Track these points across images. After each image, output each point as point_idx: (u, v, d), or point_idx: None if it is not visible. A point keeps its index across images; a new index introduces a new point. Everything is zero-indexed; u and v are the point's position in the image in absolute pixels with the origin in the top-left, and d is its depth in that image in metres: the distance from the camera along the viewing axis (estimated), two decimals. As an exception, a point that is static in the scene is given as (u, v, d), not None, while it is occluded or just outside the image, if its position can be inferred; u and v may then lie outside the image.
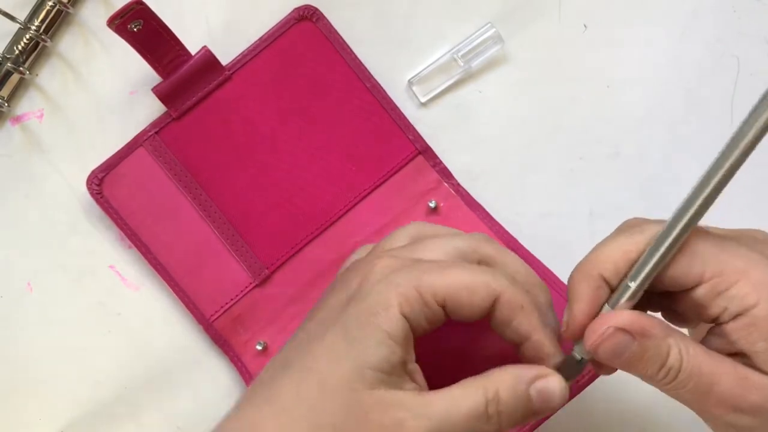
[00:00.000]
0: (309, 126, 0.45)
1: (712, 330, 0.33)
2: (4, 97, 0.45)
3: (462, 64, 0.47)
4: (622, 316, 0.32)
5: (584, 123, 0.47)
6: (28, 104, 0.46)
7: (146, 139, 0.45)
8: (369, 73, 0.46)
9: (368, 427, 0.32)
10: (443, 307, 0.33)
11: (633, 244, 0.33)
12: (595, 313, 0.33)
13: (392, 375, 0.32)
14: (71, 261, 0.46)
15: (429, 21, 0.48)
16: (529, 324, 0.34)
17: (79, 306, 0.46)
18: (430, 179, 0.46)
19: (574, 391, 0.39)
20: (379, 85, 0.46)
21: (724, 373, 0.31)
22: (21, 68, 0.45)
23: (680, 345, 0.32)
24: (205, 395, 0.46)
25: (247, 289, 0.45)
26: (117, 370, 0.46)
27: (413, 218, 0.46)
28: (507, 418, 0.33)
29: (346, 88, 0.46)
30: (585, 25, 0.48)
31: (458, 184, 0.46)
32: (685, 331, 0.36)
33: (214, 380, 0.46)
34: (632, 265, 0.33)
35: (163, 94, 0.44)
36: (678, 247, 0.32)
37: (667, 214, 0.32)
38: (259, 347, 0.45)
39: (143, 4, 0.41)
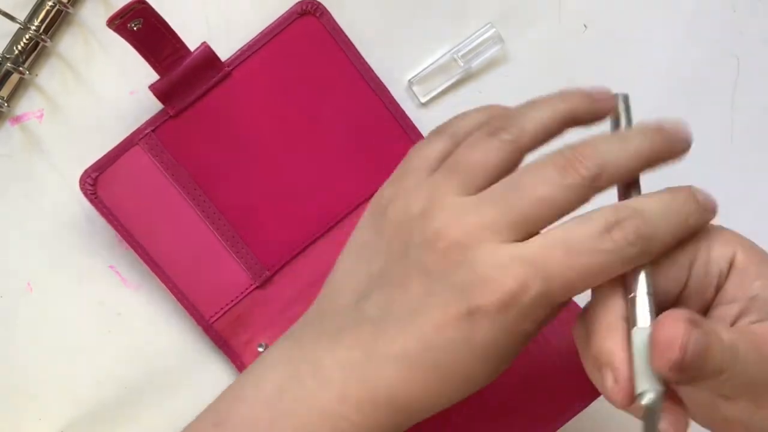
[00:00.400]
0: (310, 124, 0.45)
1: (712, 306, 0.31)
2: (3, 97, 0.45)
3: (462, 64, 0.47)
4: (679, 311, 0.28)
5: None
6: (27, 104, 0.46)
7: (142, 138, 0.44)
8: (372, 71, 0.45)
9: None
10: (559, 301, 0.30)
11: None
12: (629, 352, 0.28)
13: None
14: (71, 261, 0.46)
15: (429, 21, 0.47)
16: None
17: (79, 306, 0.46)
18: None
19: (588, 399, 0.39)
20: (382, 83, 0.45)
21: (763, 332, 0.29)
22: (21, 68, 0.45)
23: (714, 324, 0.29)
24: (205, 396, 0.45)
25: (248, 291, 0.45)
26: (117, 370, 0.46)
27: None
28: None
29: (348, 86, 0.45)
30: (585, 25, 0.48)
31: (459, 185, 0.46)
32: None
33: (214, 381, 0.46)
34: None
35: (160, 91, 0.43)
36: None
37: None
38: (260, 349, 0.45)
39: (145, 3, 0.41)
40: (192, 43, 0.44)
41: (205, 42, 0.44)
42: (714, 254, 0.31)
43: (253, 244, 0.45)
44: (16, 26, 0.45)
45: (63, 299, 0.46)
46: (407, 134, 0.46)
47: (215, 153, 0.44)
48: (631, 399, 0.28)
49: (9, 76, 0.45)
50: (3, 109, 0.45)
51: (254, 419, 0.32)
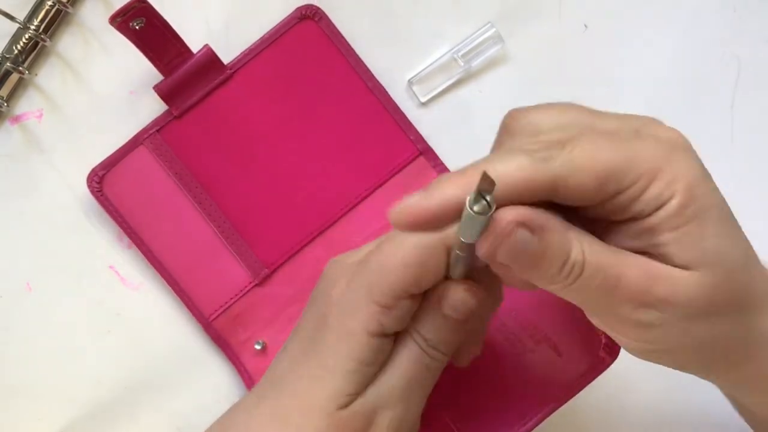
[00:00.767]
0: (310, 125, 0.45)
1: (615, 228, 0.31)
2: (3, 97, 0.45)
3: (462, 63, 0.47)
4: (518, 210, 0.28)
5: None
6: (27, 104, 0.46)
7: (147, 138, 0.45)
8: (371, 73, 0.46)
9: None
10: (410, 297, 0.33)
11: (537, 173, 0.29)
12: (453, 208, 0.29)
13: (365, 387, 0.34)
14: (70, 261, 0.46)
15: (429, 21, 0.48)
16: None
17: (78, 306, 0.46)
18: (430, 180, 0.46)
19: (577, 387, 0.40)
20: (381, 85, 0.46)
21: (631, 266, 0.29)
22: (20, 68, 0.45)
23: (582, 239, 0.29)
24: (205, 395, 0.46)
25: (247, 289, 0.45)
26: (116, 370, 0.46)
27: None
28: (446, 348, 0.34)
29: (347, 87, 0.46)
30: (585, 25, 0.48)
31: (459, 185, 0.46)
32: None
33: (213, 380, 0.46)
34: (530, 192, 0.29)
35: (164, 92, 0.44)
36: None
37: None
38: (257, 347, 0.45)
39: (145, 2, 0.41)
40: (193, 46, 0.44)
41: (207, 44, 0.44)
42: (648, 194, 0.29)
43: (253, 243, 0.45)
44: (16, 26, 0.45)
45: (62, 299, 0.46)
46: (405, 134, 0.46)
47: (217, 153, 0.45)
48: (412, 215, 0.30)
49: (8, 76, 0.45)
50: (2, 109, 0.45)
51: None
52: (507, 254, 0.29)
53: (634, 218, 0.30)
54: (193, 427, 0.46)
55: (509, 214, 0.28)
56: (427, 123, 0.47)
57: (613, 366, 0.40)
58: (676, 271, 0.29)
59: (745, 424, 0.39)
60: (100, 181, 0.44)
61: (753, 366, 0.33)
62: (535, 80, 0.48)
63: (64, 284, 0.46)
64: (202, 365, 0.46)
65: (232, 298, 0.45)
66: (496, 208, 0.28)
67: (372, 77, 0.46)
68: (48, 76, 0.46)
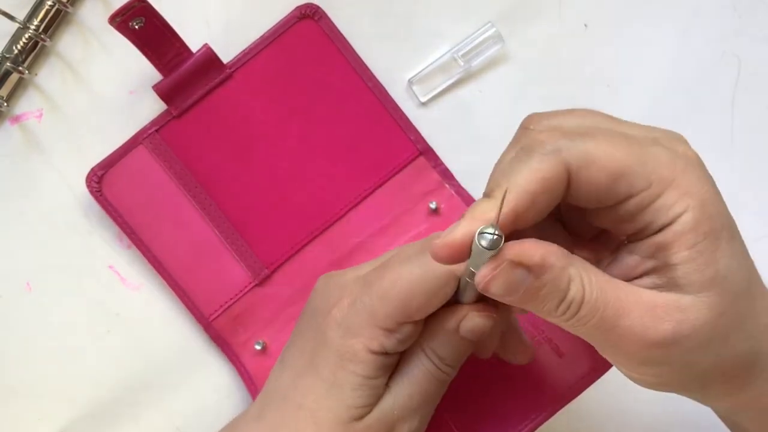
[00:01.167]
0: (310, 125, 0.45)
1: (624, 248, 0.31)
2: (3, 97, 0.45)
3: (462, 63, 0.47)
4: (514, 247, 0.28)
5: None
6: (27, 104, 0.46)
7: (146, 137, 0.45)
8: (371, 72, 0.46)
9: None
10: (412, 323, 0.34)
11: (551, 170, 0.29)
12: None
13: (377, 399, 0.35)
14: (70, 261, 0.46)
15: (429, 20, 0.47)
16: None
17: (78, 306, 0.46)
18: (430, 180, 0.46)
19: (578, 388, 0.40)
20: (381, 84, 0.46)
21: (632, 303, 0.29)
22: (20, 68, 0.45)
23: (582, 275, 0.29)
24: (205, 395, 0.46)
25: (247, 289, 0.45)
26: (116, 370, 0.46)
27: (413, 219, 0.46)
28: (458, 364, 0.36)
29: (347, 87, 0.46)
30: (585, 25, 0.48)
31: (459, 185, 0.46)
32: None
33: (213, 380, 0.46)
34: (548, 195, 0.29)
35: (163, 91, 0.44)
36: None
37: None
38: (258, 347, 0.45)
39: (145, 1, 0.41)
40: (193, 45, 0.44)
41: (206, 44, 0.44)
42: (660, 202, 0.29)
43: (252, 242, 0.45)
44: (16, 26, 0.45)
45: (62, 299, 0.46)
46: (405, 134, 0.46)
47: (216, 152, 0.45)
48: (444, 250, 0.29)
49: (8, 76, 0.45)
50: (2, 109, 0.45)
51: None
52: (500, 288, 0.28)
53: (645, 232, 0.29)
54: (193, 427, 0.46)
55: (508, 252, 0.28)
56: (427, 123, 0.47)
57: (613, 367, 0.40)
58: (684, 299, 0.28)
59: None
60: (99, 181, 0.44)
61: (754, 389, 0.32)
62: (535, 80, 0.48)
63: (64, 284, 0.46)
64: (202, 365, 0.46)
65: (232, 298, 0.45)
66: (505, 240, 0.28)
67: (372, 77, 0.46)
68: (48, 76, 0.46)
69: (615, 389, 0.47)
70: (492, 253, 0.28)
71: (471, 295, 0.34)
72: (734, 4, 0.48)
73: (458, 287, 0.34)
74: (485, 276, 0.28)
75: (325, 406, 0.35)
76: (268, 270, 0.45)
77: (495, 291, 0.28)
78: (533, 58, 0.48)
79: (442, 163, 0.46)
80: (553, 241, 0.29)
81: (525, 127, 0.32)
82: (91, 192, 0.44)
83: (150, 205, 0.45)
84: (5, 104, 0.45)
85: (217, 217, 0.45)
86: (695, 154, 0.30)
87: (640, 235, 0.30)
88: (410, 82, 0.47)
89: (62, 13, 0.45)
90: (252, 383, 0.44)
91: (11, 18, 0.44)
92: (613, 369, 0.40)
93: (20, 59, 0.45)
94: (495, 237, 0.28)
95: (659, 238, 0.29)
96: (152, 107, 0.45)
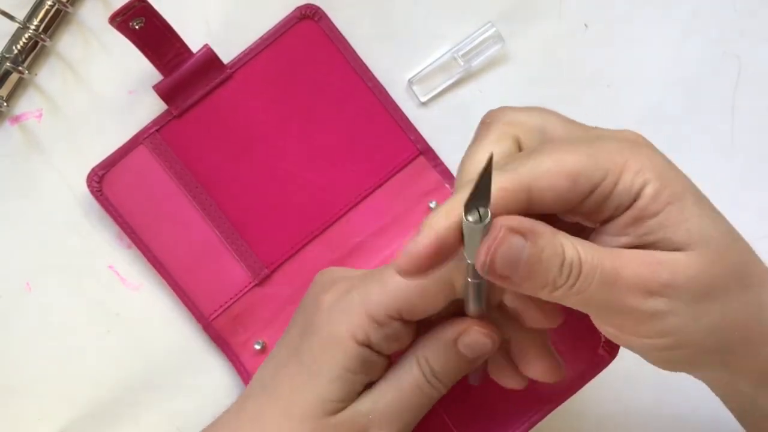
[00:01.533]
0: (310, 125, 0.45)
1: (596, 230, 0.31)
2: (2, 97, 0.45)
3: (462, 63, 0.47)
4: (506, 217, 0.28)
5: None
6: (27, 104, 0.46)
7: (147, 137, 0.45)
8: (371, 72, 0.46)
9: None
10: (402, 322, 0.34)
11: (513, 184, 0.29)
12: (444, 253, 0.29)
13: (354, 396, 0.34)
14: (70, 261, 0.46)
15: (429, 20, 0.47)
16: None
17: (78, 306, 0.46)
18: (430, 180, 0.46)
19: (576, 386, 0.40)
20: (381, 85, 0.46)
21: (627, 258, 0.29)
22: (20, 68, 0.45)
23: (570, 239, 0.29)
24: (205, 395, 0.46)
25: (247, 289, 0.45)
26: (116, 370, 0.46)
27: (413, 219, 0.46)
28: (448, 382, 0.35)
29: (347, 87, 0.46)
30: (586, 25, 0.48)
31: (459, 185, 0.46)
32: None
33: (213, 380, 0.46)
34: (512, 206, 0.29)
35: (164, 91, 0.44)
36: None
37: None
38: (257, 347, 0.45)
39: (145, 1, 0.41)
40: (193, 46, 0.44)
41: (207, 44, 0.44)
42: (620, 186, 0.29)
43: (252, 242, 0.45)
44: (16, 25, 0.45)
45: (62, 299, 0.46)
46: (405, 134, 0.46)
47: (217, 152, 0.45)
48: (412, 261, 0.29)
49: (8, 76, 0.45)
50: (2, 109, 0.45)
51: None
52: (504, 262, 0.28)
53: (615, 215, 0.30)
54: (193, 427, 0.46)
55: (499, 221, 0.28)
56: (427, 123, 0.47)
57: (612, 364, 0.40)
58: (672, 254, 0.29)
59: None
60: (99, 180, 0.44)
61: None
62: (535, 80, 0.48)
63: (64, 284, 0.46)
64: (202, 365, 0.46)
65: (232, 298, 0.45)
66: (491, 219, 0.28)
67: (372, 77, 0.46)
68: (48, 76, 0.46)
69: (613, 388, 0.47)
70: (482, 225, 0.28)
71: (476, 304, 0.33)
72: (734, 4, 0.48)
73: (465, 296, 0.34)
74: (486, 251, 0.28)
75: (300, 398, 0.34)
76: (268, 270, 0.45)
77: (500, 266, 0.28)
78: (533, 58, 0.48)
79: (442, 163, 0.46)
80: None
81: (484, 122, 0.33)
82: (92, 192, 0.44)
83: (150, 205, 0.45)
84: (5, 104, 0.45)
85: (217, 217, 0.45)
86: (637, 134, 0.31)
87: (612, 220, 0.30)
88: (410, 82, 0.47)
89: (62, 13, 0.45)
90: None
91: (11, 18, 0.44)
92: (610, 367, 0.40)
93: (20, 59, 0.45)
94: (481, 210, 0.28)
95: (627, 217, 0.30)
96: (152, 107, 0.45)
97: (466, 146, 0.47)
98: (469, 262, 0.30)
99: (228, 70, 0.45)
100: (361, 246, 0.45)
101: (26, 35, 0.45)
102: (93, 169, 0.44)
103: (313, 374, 0.34)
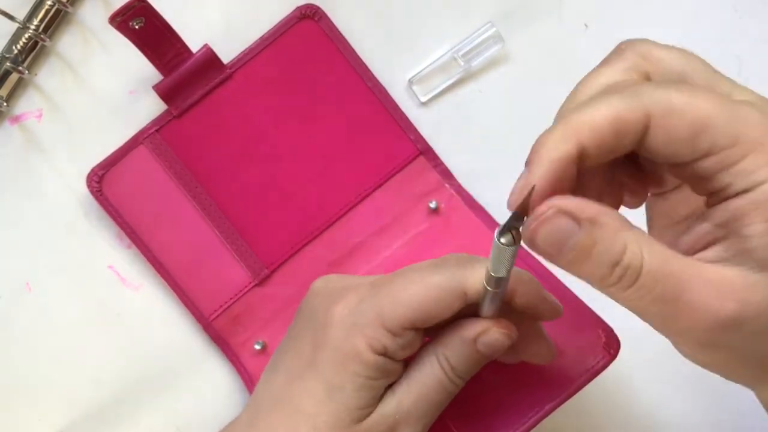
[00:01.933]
0: (310, 125, 0.45)
1: (698, 216, 0.28)
2: (2, 97, 0.45)
3: (462, 63, 0.47)
4: (566, 198, 0.26)
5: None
6: (26, 104, 0.46)
7: (147, 137, 0.45)
8: (371, 72, 0.46)
9: None
10: (416, 330, 0.34)
11: (627, 111, 0.27)
12: (559, 188, 0.27)
13: (377, 401, 0.35)
14: (70, 261, 0.46)
15: (429, 20, 0.47)
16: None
17: (78, 306, 0.46)
18: (430, 180, 0.46)
19: (577, 386, 0.40)
20: (381, 84, 0.46)
21: (696, 277, 0.26)
22: (20, 68, 0.45)
23: (641, 242, 0.26)
24: (205, 395, 0.46)
25: (247, 289, 0.45)
26: (116, 370, 0.46)
27: (413, 219, 0.46)
28: (468, 377, 0.36)
29: (347, 87, 0.46)
30: (586, 25, 0.48)
31: (459, 185, 0.46)
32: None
33: (213, 380, 0.46)
34: (620, 137, 0.27)
35: (164, 91, 0.44)
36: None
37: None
38: (257, 347, 0.45)
39: (145, 1, 0.41)
40: (193, 45, 0.44)
41: (207, 44, 0.44)
42: (742, 165, 0.26)
43: (252, 242, 0.45)
44: (16, 25, 0.45)
45: (62, 299, 0.46)
46: (405, 134, 0.46)
47: (217, 153, 0.45)
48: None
49: (8, 76, 0.45)
50: (2, 109, 0.45)
51: None
52: (546, 241, 0.26)
53: (721, 195, 0.27)
54: (193, 427, 0.46)
55: (553, 201, 0.26)
56: (427, 123, 0.47)
57: (612, 364, 0.40)
58: (752, 277, 0.26)
59: (745, 422, 0.39)
60: (99, 180, 0.44)
61: None
62: (535, 80, 0.48)
63: (64, 284, 0.46)
64: (202, 365, 0.46)
65: (232, 298, 0.45)
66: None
67: (372, 77, 0.46)
68: (48, 76, 0.46)
69: (613, 388, 0.47)
70: (512, 250, 0.27)
71: (491, 308, 0.34)
72: (734, 4, 0.48)
73: (481, 298, 0.34)
74: (531, 224, 0.26)
75: (324, 410, 0.34)
76: (268, 270, 0.45)
77: (541, 242, 0.26)
78: (533, 58, 0.48)
79: (442, 163, 0.46)
80: (624, 185, 0.28)
81: (619, 47, 0.31)
82: (92, 192, 0.44)
83: (150, 205, 0.45)
84: (5, 104, 0.45)
85: (217, 217, 0.45)
86: None
87: (715, 197, 0.27)
88: (410, 82, 0.47)
89: (62, 13, 0.45)
90: (252, 383, 0.44)
91: (11, 18, 0.44)
92: (612, 366, 0.40)
93: (20, 59, 0.45)
94: (512, 235, 0.27)
95: (735, 204, 0.26)
96: (152, 107, 0.45)
97: (466, 146, 0.47)
98: (492, 274, 0.30)
99: (228, 70, 0.45)
100: (361, 246, 0.45)
101: (26, 35, 0.45)
102: (93, 169, 0.44)
103: (336, 386, 0.34)
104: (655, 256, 0.26)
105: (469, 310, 0.35)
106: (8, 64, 0.45)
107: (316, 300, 0.37)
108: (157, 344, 0.46)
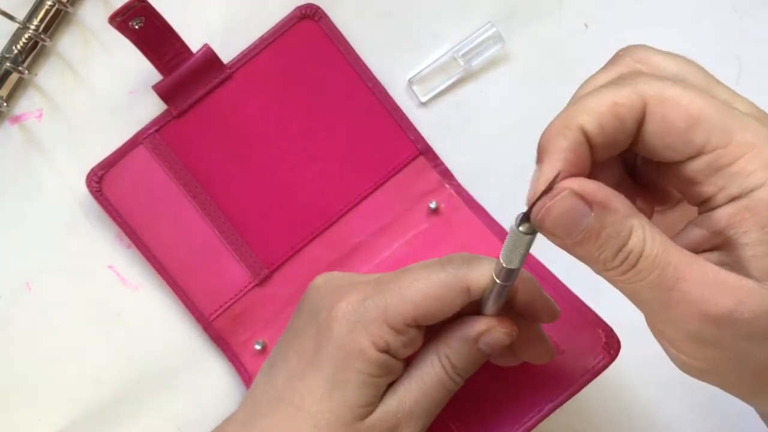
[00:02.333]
0: (310, 125, 0.45)
1: (692, 220, 0.28)
2: (2, 97, 0.45)
3: (462, 63, 0.47)
4: (580, 180, 0.27)
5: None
6: (26, 104, 0.46)
7: (146, 137, 0.45)
8: (371, 72, 0.46)
9: None
10: (418, 328, 0.35)
11: (624, 97, 0.27)
12: (572, 173, 0.28)
13: (379, 399, 0.35)
14: (70, 261, 0.46)
15: (429, 20, 0.47)
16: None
17: (78, 306, 0.46)
18: (430, 180, 0.46)
19: (577, 386, 0.40)
20: (381, 84, 0.46)
21: (695, 271, 0.26)
22: (20, 68, 0.45)
23: (645, 229, 0.27)
24: (205, 395, 0.46)
25: (247, 289, 0.45)
26: (116, 370, 0.46)
27: (413, 219, 0.46)
28: (468, 375, 0.36)
29: (347, 87, 0.46)
30: (586, 25, 0.48)
31: (459, 185, 0.46)
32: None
33: (213, 380, 0.46)
34: (620, 120, 0.27)
35: (163, 91, 0.44)
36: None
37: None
38: (257, 347, 0.45)
39: (145, 1, 0.41)
40: (193, 45, 0.44)
41: (207, 44, 0.44)
42: (736, 167, 0.26)
43: (252, 242, 0.45)
44: (16, 25, 0.45)
45: (62, 299, 0.46)
46: (405, 134, 0.46)
47: (217, 153, 0.45)
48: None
49: (8, 76, 0.45)
50: (2, 109, 0.45)
51: None
52: (556, 222, 0.27)
53: (716, 200, 0.27)
54: (193, 427, 0.46)
55: (568, 182, 0.27)
56: (427, 123, 0.47)
57: (613, 365, 0.40)
58: (747, 281, 0.26)
59: (744, 423, 0.39)
60: (99, 180, 0.44)
61: None
62: (535, 80, 0.48)
63: (64, 284, 0.46)
64: (202, 365, 0.46)
65: (232, 298, 0.45)
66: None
67: (372, 77, 0.46)
68: (48, 76, 0.46)
69: (613, 388, 0.47)
70: (529, 239, 0.28)
71: (494, 305, 0.34)
72: (734, 4, 0.48)
73: (484, 296, 0.34)
74: (541, 206, 0.27)
75: (326, 408, 0.34)
76: (268, 270, 0.45)
77: (552, 222, 0.27)
78: (533, 58, 0.48)
79: (442, 163, 0.46)
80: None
81: (618, 54, 0.31)
82: (91, 192, 0.44)
83: (150, 205, 0.45)
84: (5, 104, 0.45)
85: (217, 217, 0.45)
86: None
87: (710, 204, 0.27)
88: (410, 82, 0.47)
89: (62, 13, 0.45)
90: (251, 383, 0.44)
91: (11, 18, 0.44)
92: (612, 367, 0.40)
93: (20, 59, 0.45)
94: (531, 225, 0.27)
95: (730, 209, 0.26)
96: (152, 107, 0.45)
97: (466, 146, 0.47)
98: (504, 265, 0.30)
99: (228, 70, 0.45)
100: (361, 246, 0.45)
101: (26, 35, 0.45)
102: (92, 169, 0.44)
103: (338, 384, 0.34)
104: (656, 243, 0.27)
105: (470, 309, 0.35)
106: (8, 64, 0.45)
107: (318, 296, 0.37)
108: (157, 344, 0.46)
